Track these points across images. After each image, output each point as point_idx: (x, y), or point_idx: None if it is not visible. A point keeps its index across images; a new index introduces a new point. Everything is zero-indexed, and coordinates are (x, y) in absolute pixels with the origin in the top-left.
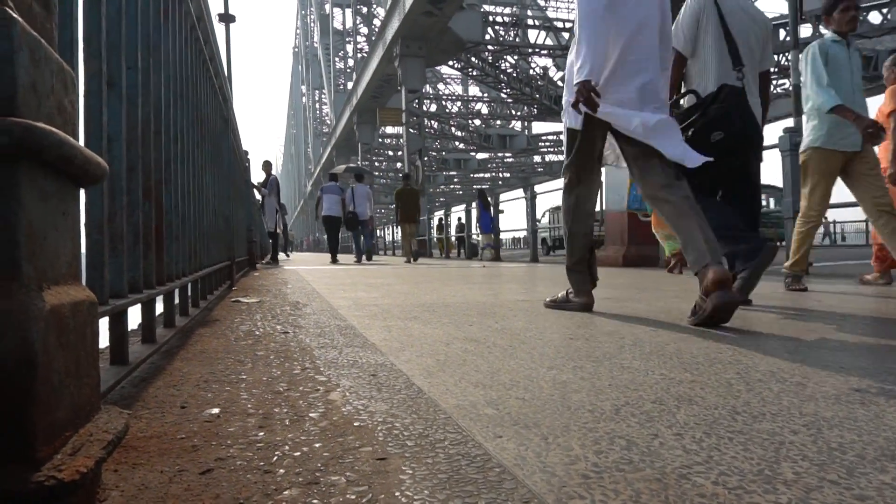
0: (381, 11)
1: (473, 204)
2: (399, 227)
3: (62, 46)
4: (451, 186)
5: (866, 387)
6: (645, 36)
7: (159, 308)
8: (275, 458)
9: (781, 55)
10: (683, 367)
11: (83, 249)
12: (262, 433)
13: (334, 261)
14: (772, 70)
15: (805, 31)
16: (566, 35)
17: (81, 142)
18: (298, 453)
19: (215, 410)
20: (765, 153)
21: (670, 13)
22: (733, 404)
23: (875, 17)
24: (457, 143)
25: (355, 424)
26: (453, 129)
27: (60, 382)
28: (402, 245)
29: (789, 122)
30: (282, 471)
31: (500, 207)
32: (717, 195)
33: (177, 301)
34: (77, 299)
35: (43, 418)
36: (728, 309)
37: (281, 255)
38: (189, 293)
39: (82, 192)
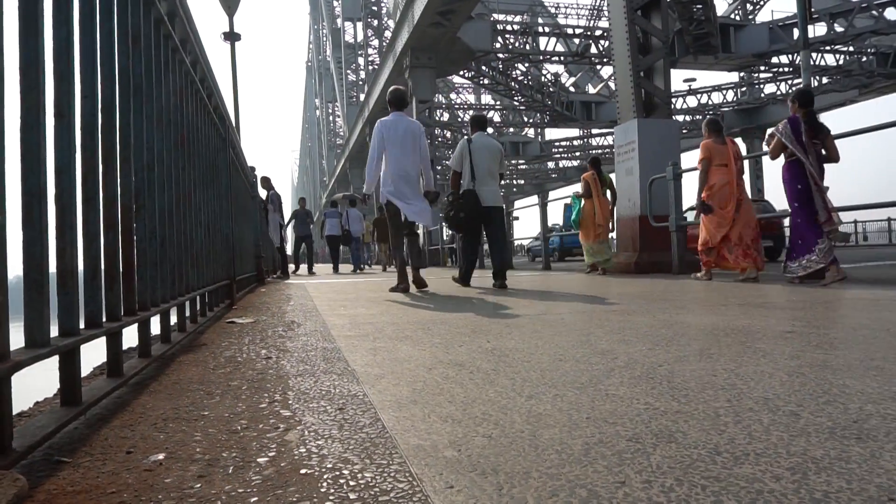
0: (391, 24)
1: None
2: (377, 245)
3: None
4: None
5: (866, 416)
6: (408, 160)
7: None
8: None
9: (795, 54)
10: (672, 393)
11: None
12: (199, 484)
13: (335, 270)
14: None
15: (820, 29)
16: (577, 41)
17: (18, 178)
18: None
19: (160, 456)
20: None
21: (427, 146)
22: (716, 442)
23: (891, 14)
24: None
25: (302, 472)
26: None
27: None
28: (380, 257)
29: None
30: None
31: (515, 214)
32: (481, 241)
33: (159, 328)
34: None
35: None
36: (420, 283)
37: (301, 268)
38: (176, 318)
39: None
